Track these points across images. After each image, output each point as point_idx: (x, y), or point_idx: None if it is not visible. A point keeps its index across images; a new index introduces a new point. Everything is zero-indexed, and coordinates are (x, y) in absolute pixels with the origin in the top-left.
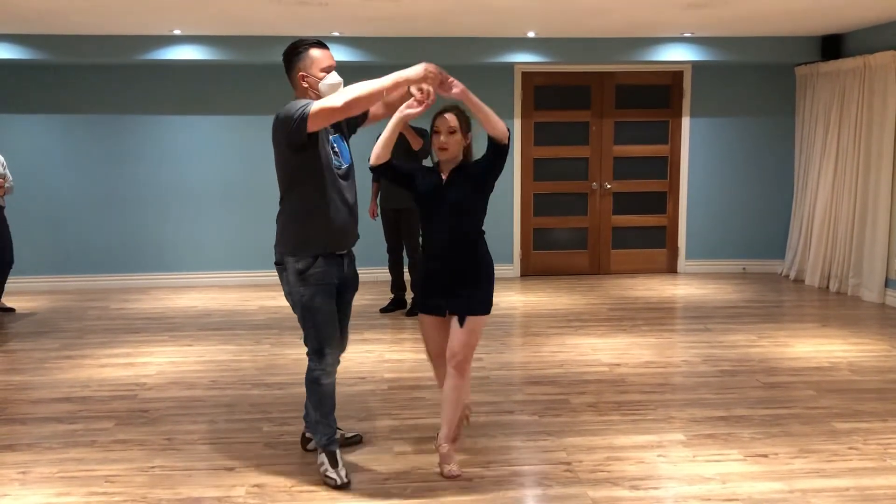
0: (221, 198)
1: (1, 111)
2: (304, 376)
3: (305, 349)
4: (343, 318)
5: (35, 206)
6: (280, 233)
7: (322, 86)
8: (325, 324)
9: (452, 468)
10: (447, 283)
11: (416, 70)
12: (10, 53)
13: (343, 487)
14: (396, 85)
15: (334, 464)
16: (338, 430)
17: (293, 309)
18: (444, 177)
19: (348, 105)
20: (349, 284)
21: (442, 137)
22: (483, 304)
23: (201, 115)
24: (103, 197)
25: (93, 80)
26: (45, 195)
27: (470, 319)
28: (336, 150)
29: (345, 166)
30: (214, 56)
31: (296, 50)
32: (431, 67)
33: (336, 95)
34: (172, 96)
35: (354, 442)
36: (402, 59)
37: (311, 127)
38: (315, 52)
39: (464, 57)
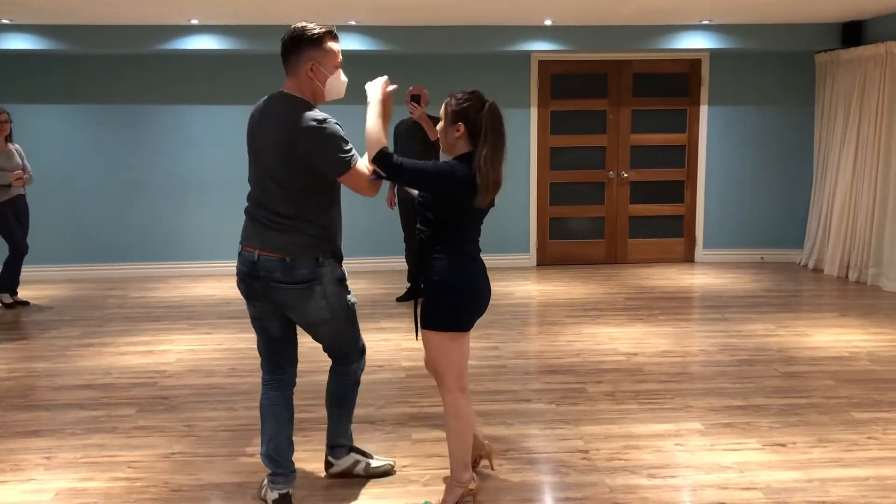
0: (238, 187)
1: (20, 101)
2: (320, 364)
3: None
4: None
5: (54, 196)
6: (306, 243)
7: (330, 83)
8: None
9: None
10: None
11: (374, 87)
12: (28, 44)
13: (394, 469)
14: (383, 122)
15: (370, 455)
16: (361, 462)
17: (327, 323)
18: None
19: (375, 189)
20: None
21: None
22: None
23: (219, 104)
24: (122, 186)
25: (111, 70)
26: (65, 185)
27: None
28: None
29: None
30: (232, 45)
31: (311, 36)
32: (384, 82)
33: (371, 185)
34: (191, 86)
35: (385, 472)
36: (418, 48)
37: (358, 178)
38: (332, 45)
39: (480, 45)
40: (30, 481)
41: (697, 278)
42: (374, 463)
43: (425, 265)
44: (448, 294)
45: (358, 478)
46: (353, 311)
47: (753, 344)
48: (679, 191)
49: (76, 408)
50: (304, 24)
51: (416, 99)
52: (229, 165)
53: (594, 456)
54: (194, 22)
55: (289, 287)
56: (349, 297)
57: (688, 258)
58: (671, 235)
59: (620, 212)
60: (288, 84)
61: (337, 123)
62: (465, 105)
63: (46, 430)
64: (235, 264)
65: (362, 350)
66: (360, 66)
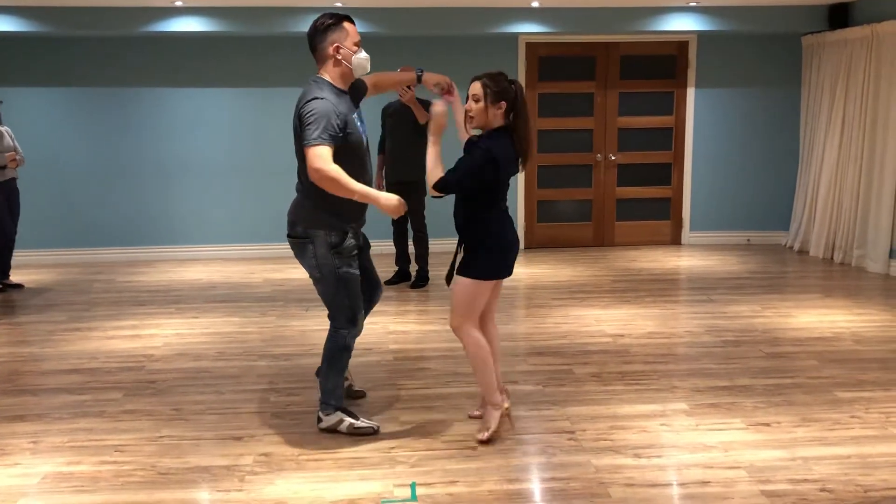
0: (226, 171)
1: (5, 84)
2: (309, 347)
3: (329, 321)
4: (373, 269)
5: (40, 180)
6: (307, 207)
7: (355, 59)
8: (357, 293)
9: (482, 434)
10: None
11: (389, 202)
12: (11, 26)
13: (378, 433)
14: (364, 198)
15: (356, 416)
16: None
17: (319, 281)
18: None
19: (329, 182)
20: (363, 248)
21: (468, 104)
22: None
23: (205, 87)
24: (108, 170)
25: (96, 52)
26: (50, 169)
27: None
28: (363, 129)
29: (366, 144)
30: (215, 27)
31: (330, 20)
32: (402, 205)
33: (329, 171)
34: (175, 69)
35: (359, 396)
36: (405, 30)
37: (310, 160)
38: (349, 26)
39: (467, 27)
40: (16, 465)
41: (684, 260)
42: (358, 423)
43: (473, 223)
44: (495, 249)
45: (341, 435)
46: (344, 279)
47: (739, 325)
48: (666, 173)
49: (63, 392)
50: (322, 15)
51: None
52: (216, 149)
53: (580, 436)
54: (179, 3)
55: (290, 239)
56: (345, 267)
57: (675, 240)
58: (658, 218)
59: (608, 194)
60: (319, 70)
61: (325, 105)
62: (506, 85)
63: (33, 414)
64: (223, 248)
65: (350, 319)
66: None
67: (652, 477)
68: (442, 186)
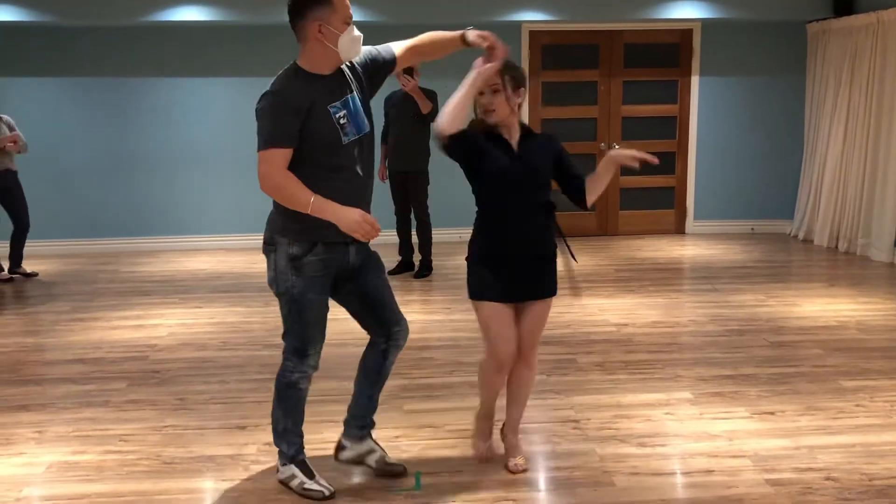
0: (229, 160)
1: (7, 74)
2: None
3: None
4: (385, 298)
5: (42, 170)
6: (277, 211)
7: (342, 41)
8: (314, 322)
9: (518, 461)
10: (531, 266)
11: (348, 220)
12: (14, 16)
13: (332, 498)
14: (319, 212)
15: (311, 474)
16: (376, 451)
17: (278, 298)
18: (513, 145)
19: (275, 192)
20: (364, 268)
21: (485, 98)
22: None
23: (208, 77)
24: (111, 160)
25: (99, 42)
26: (53, 159)
27: (547, 301)
28: (344, 120)
29: (357, 136)
30: (218, 17)
31: None
32: (366, 223)
33: (275, 178)
34: (179, 58)
35: (397, 474)
36: (406, 18)
37: (262, 163)
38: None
39: (470, 15)
40: (21, 455)
41: (688, 249)
42: (309, 483)
43: (551, 234)
44: (476, 257)
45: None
46: (297, 301)
47: (743, 314)
48: (670, 162)
49: (67, 382)
50: None
51: (408, 71)
52: (219, 139)
53: (585, 425)
54: None
55: (263, 244)
56: (301, 289)
57: (679, 229)
58: (662, 207)
59: (611, 183)
60: (299, 52)
61: (275, 101)
62: (520, 71)
63: (37, 404)
64: (227, 238)
65: (298, 350)
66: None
67: (656, 466)
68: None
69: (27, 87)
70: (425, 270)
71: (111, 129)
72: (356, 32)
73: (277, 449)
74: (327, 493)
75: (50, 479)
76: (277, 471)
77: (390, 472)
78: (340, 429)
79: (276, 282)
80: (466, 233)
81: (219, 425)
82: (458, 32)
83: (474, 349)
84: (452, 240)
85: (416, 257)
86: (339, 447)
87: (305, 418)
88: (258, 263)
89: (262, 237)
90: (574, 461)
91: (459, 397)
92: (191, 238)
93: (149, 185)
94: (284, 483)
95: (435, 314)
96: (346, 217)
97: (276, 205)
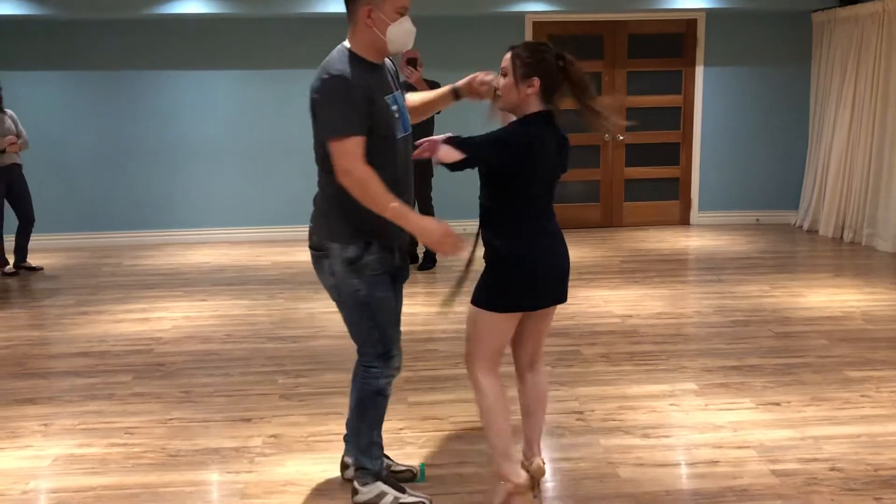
0: (232, 153)
1: (10, 68)
2: (317, 329)
3: (358, 352)
4: (399, 314)
5: (46, 164)
6: (322, 214)
7: (392, 31)
8: (389, 321)
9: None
10: (565, 267)
11: (430, 234)
12: (16, 9)
13: None
14: (399, 219)
15: (401, 488)
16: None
17: (339, 306)
18: None
19: (358, 187)
20: (396, 279)
21: (495, 81)
22: None
23: (211, 69)
24: (114, 154)
25: (101, 35)
26: (56, 152)
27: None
28: (397, 115)
29: (405, 134)
30: (221, 9)
31: None
32: (451, 237)
33: (359, 171)
34: (181, 51)
35: (406, 479)
36: (415, 10)
37: (336, 159)
38: None
39: (473, 6)
40: (27, 448)
41: (693, 240)
42: (405, 499)
43: (492, 223)
44: (513, 270)
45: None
46: (371, 305)
47: (748, 305)
48: (674, 153)
49: (72, 375)
50: None
51: (412, 62)
52: (223, 131)
53: (589, 417)
54: None
55: (310, 251)
56: (367, 289)
57: (683, 221)
58: (667, 198)
59: (616, 175)
60: (348, 34)
61: (343, 83)
62: (543, 57)
63: (43, 397)
64: (230, 231)
65: (382, 354)
66: (341, 27)
67: (661, 457)
68: (456, 142)
69: (30, 81)
70: (429, 263)
71: (114, 122)
72: (409, 25)
73: (355, 468)
74: (427, 502)
75: (56, 471)
76: (355, 493)
77: (400, 479)
78: (344, 421)
79: (337, 288)
80: (471, 225)
81: (223, 418)
82: (447, 88)
83: None
84: (457, 232)
85: (420, 250)
86: (345, 465)
87: (311, 410)
88: (262, 256)
89: (265, 230)
90: (579, 452)
91: (464, 389)
92: (194, 231)
93: (152, 178)
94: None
95: (439, 307)
96: (429, 230)
97: (323, 206)
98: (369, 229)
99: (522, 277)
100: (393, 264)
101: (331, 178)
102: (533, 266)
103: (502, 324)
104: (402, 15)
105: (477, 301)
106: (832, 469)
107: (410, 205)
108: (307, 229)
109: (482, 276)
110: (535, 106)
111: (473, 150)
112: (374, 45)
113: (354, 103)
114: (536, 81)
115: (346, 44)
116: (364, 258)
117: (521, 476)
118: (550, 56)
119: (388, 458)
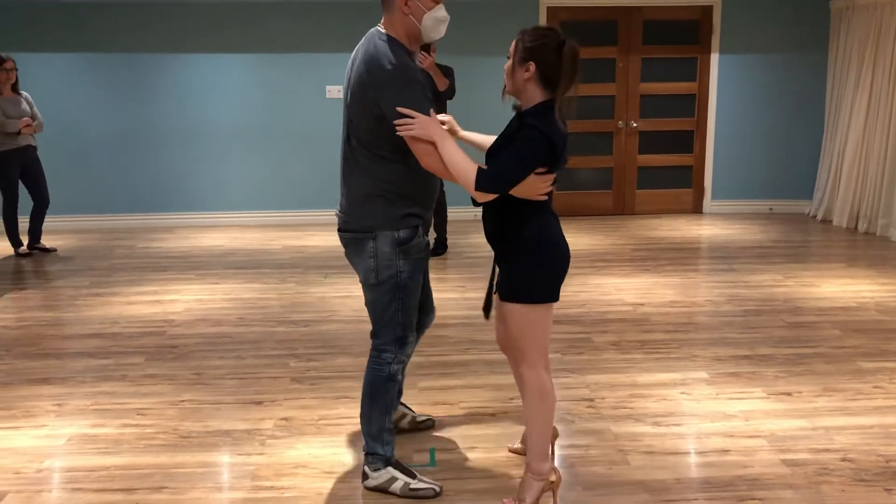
0: (245, 137)
1: (26, 50)
2: (328, 314)
3: (373, 339)
4: (428, 287)
5: (60, 146)
6: (366, 198)
7: (427, 18)
8: (414, 307)
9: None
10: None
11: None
12: None
13: (440, 493)
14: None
15: (411, 473)
16: (408, 415)
17: (373, 288)
18: None
19: (445, 168)
20: (427, 254)
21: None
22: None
23: (226, 53)
24: (128, 137)
25: (117, 18)
26: (70, 135)
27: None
28: (430, 104)
29: None
30: None
31: None
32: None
33: (449, 156)
34: (196, 34)
35: (426, 426)
36: None
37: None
38: None
39: None
40: (42, 427)
41: (705, 229)
42: (415, 483)
43: (522, 228)
44: (555, 259)
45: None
46: (405, 288)
47: (760, 294)
48: (688, 141)
49: (86, 356)
50: None
51: (425, 47)
52: (237, 115)
53: (599, 404)
54: None
55: (344, 235)
56: (409, 272)
57: (696, 209)
58: (679, 186)
59: (629, 162)
60: (383, 21)
61: (413, 70)
62: (544, 42)
63: (57, 377)
64: (242, 214)
65: (399, 339)
66: (354, 11)
67: (671, 445)
68: (491, 184)
69: (44, 63)
70: (440, 248)
71: (128, 105)
72: (444, 13)
73: (366, 454)
74: (438, 489)
75: (70, 451)
76: (365, 477)
77: (423, 428)
78: (355, 405)
79: (376, 270)
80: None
81: (235, 400)
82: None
83: (488, 327)
84: (467, 218)
85: (432, 235)
86: (363, 474)
87: (322, 394)
88: (274, 240)
89: (277, 214)
90: (589, 440)
91: (474, 375)
92: (207, 214)
93: (165, 161)
94: (381, 489)
95: (450, 292)
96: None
97: (368, 190)
98: (420, 214)
99: (562, 261)
100: (428, 249)
101: (384, 163)
102: (566, 250)
103: (550, 313)
104: (437, 3)
105: (523, 297)
106: (843, 459)
107: (439, 189)
108: (321, 214)
109: (514, 271)
110: (537, 94)
111: (508, 186)
112: (411, 32)
113: (420, 86)
114: (532, 66)
115: (382, 30)
116: (414, 240)
117: (555, 473)
118: (552, 42)
119: (409, 408)
